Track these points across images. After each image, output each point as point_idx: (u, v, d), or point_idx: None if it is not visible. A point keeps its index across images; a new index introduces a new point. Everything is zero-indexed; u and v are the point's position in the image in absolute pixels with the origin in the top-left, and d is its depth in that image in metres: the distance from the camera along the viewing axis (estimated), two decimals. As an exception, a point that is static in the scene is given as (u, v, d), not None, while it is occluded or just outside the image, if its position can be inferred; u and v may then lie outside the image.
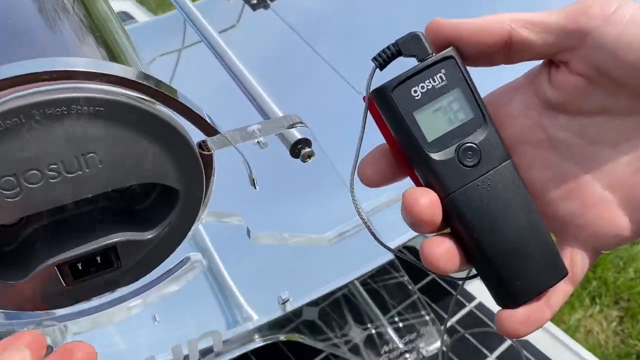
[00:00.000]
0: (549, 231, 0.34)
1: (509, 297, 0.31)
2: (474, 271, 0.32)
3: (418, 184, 0.33)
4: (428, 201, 0.31)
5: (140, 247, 0.36)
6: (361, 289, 0.78)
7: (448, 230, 0.33)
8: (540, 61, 0.33)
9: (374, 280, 0.80)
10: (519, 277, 0.31)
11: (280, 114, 0.41)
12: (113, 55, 0.35)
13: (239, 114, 0.50)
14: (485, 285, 0.32)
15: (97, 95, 0.30)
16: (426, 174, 0.32)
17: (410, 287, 0.79)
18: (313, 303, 0.70)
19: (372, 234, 0.34)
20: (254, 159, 0.40)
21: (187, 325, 0.49)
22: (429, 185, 0.32)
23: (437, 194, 0.31)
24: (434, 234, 0.32)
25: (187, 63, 0.99)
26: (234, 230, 0.47)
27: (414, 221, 0.31)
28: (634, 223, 0.31)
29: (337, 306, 0.77)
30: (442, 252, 0.31)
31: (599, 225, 0.32)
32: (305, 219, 0.54)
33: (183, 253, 0.60)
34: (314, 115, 0.71)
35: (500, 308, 0.32)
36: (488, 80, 0.36)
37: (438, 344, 0.75)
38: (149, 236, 0.36)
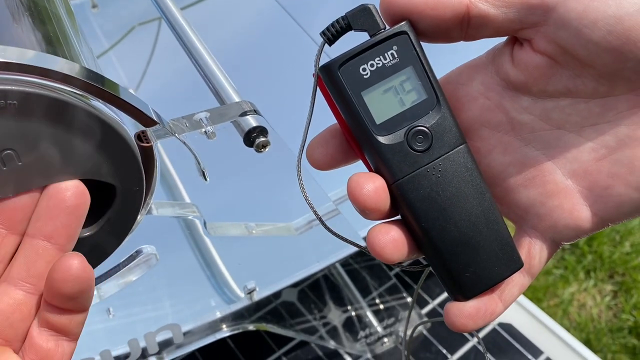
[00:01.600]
0: (509, 219, 0.32)
1: (458, 289, 0.30)
2: None
3: (369, 168, 0.31)
4: (373, 188, 0.29)
5: (79, 245, 0.34)
6: (341, 270, 0.77)
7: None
8: (504, 39, 0.31)
9: (355, 261, 0.79)
10: (470, 269, 0.30)
11: (237, 99, 0.39)
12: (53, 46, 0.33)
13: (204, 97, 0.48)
14: (436, 275, 0.31)
15: (8, 87, 0.28)
16: (374, 158, 0.30)
17: (389, 271, 0.77)
18: (293, 285, 0.69)
19: (317, 216, 0.32)
20: (215, 145, 0.38)
21: (147, 318, 0.48)
22: (377, 170, 0.30)
23: (385, 180, 0.30)
24: (383, 220, 0.31)
25: (166, 34, 0.96)
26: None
27: (360, 208, 0.30)
28: (594, 214, 0.30)
29: (317, 288, 0.76)
30: (388, 240, 0.30)
31: (559, 216, 0.31)
32: (271, 208, 0.53)
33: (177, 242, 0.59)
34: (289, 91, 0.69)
35: (451, 299, 0.30)
36: (450, 57, 0.34)
37: (418, 328, 0.74)
38: (87, 234, 0.34)
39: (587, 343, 1.39)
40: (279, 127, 0.40)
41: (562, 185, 0.31)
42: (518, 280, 0.31)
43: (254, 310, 0.61)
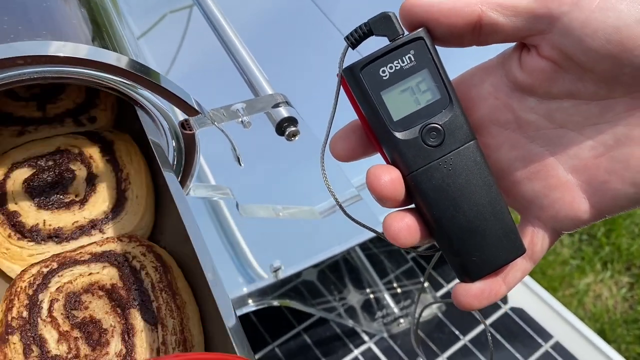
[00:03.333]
0: (514, 209, 0.35)
1: (466, 271, 0.32)
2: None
3: (386, 161, 0.33)
4: (389, 179, 0.32)
5: None
6: (361, 253, 0.80)
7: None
8: (512, 44, 0.33)
9: (375, 246, 0.82)
10: (476, 253, 0.32)
11: (270, 91, 0.42)
12: (105, 40, 0.37)
13: (237, 80, 0.51)
14: (446, 259, 0.33)
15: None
16: (391, 152, 0.33)
17: (406, 254, 0.80)
18: (313, 265, 0.72)
19: (337, 202, 0.35)
20: (248, 134, 0.41)
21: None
22: (394, 162, 0.33)
23: (401, 172, 0.32)
24: (398, 209, 0.33)
25: (196, 21, 0.98)
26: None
27: (377, 197, 0.32)
28: (592, 207, 0.32)
29: (337, 269, 0.79)
30: (402, 226, 0.32)
31: (560, 207, 0.33)
32: (297, 193, 0.55)
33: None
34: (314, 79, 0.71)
35: (459, 281, 0.33)
36: (463, 60, 0.36)
37: (432, 309, 0.76)
38: None
39: (602, 333, 1.39)
40: (303, 114, 0.42)
41: (563, 180, 0.33)
42: (521, 265, 0.34)
43: (277, 287, 0.64)
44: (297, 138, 0.41)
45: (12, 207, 0.38)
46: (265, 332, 0.76)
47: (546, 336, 0.78)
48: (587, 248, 1.55)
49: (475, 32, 0.32)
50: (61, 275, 0.35)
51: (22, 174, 0.39)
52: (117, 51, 0.36)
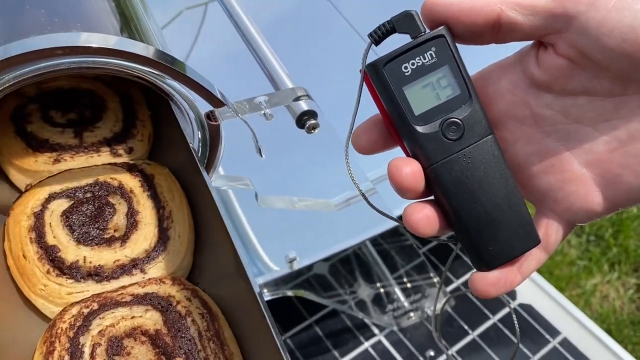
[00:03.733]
0: (530, 202, 0.35)
1: (482, 260, 0.33)
2: None
3: (407, 154, 0.35)
4: (410, 171, 0.33)
5: None
6: (372, 248, 0.81)
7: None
8: (530, 42, 0.34)
9: (385, 242, 0.83)
10: (493, 243, 0.33)
11: (290, 85, 0.43)
12: (132, 31, 0.38)
13: (253, 74, 0.52)
14: (464, 248, 0.34)
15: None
16: (412, 145, 0.34)
17: (418, 249, 0.81)
18: (324, 259, 0.73)
19: (363, 196, 0.36)
20: (268, 126, 0.42)
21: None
22: (414, 155, 0.34)
23: (421, 164, 0.33)
24: (418, 200, 0.34)
25: (212, 17, 1.00)
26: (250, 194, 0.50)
27: (398, 188, 0.33)
28: (606, 199, 0.33)
29: (348, 263, 0.81)
30: (422, 217, 0.33)
31: (574, 200, 0.34)
32: (314, 186, 0.57)
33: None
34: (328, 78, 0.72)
35: (476, 270, 0.34)
36: (483, 56, 0.37)
37: (442, 305, 0.78)
38: None
39: (608, 334, 1.40)
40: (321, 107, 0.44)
41: (578, 173, 0.34)
42: (535, 255, 0.34)
43: (291, 279, 0.65)
44: (316, 131, 0.42)
45: (50, 240, 0.36)
46: (277, 323, 0.78)
47: (554, 332, 0.79)
48: (594, 249, 1.55)
49: (495, 31, 0.32)
50: (102, 318, 0.34)
51: (60, 205, 0.38)
52: (144, 42, 0.37)
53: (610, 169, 0.33)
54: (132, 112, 0.44)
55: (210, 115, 0.38)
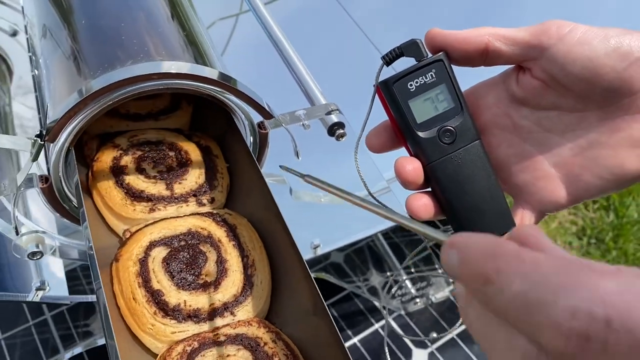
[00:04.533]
0: (509, 194, 0.42)
1: None
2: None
3: (410, 154, 0.41)
4: (412, 168, 0.40)
5: None
6: (384, 241, 0.89)
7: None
8: (511, 66, 0.41)
9: (396, 235, 0.91)
10: (477, 227, 0.39)
11: (323, 101, 0.52)
12: (202, 58, 0.46)
13: (284, 86, 0.59)
14: (454, 230, 0.40)
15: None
16: (414, 147, 0.40)
17: (426, 243, 0.90)
18: (340, 249, 0.82)
19: (369, 191, 0.43)
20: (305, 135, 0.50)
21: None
22: (416, 155, 0.41)
23: (421, 162, 0.40)
24: (418, 191, 0.41)
25: (243, 28, 1.08)
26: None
27: (402, 181, 0.40)
28: (569, 194, 0.40)
29: (361, 253, 0.89)
30: (421, 204, 0.40)
31: (544, 194, 0.40)
32: (337, 184, 0.65)
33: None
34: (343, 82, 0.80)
35: None
36: (474, 76, 0.43)
37: (446, 292, 0.86)
38: None
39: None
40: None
41: (547, 172, 0.40)
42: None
43: (311, 265, 0.74)
44: (344, 139, 0.51)
45: (155, 285, 0.40)
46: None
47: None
48: (594, 252, 1.59)
49: (483, 56, 0.39)
50: (203, 355, 0.37)
51: (160, 252, 0.42)
52: (208, 65, 0.46)
53: (573, 169, 0.39)
54: (212, 164, 0.48)
55: (260, 125, 0.48)
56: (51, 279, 0.57)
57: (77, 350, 0.73)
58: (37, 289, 0.53)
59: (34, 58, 0.53)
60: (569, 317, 0.20)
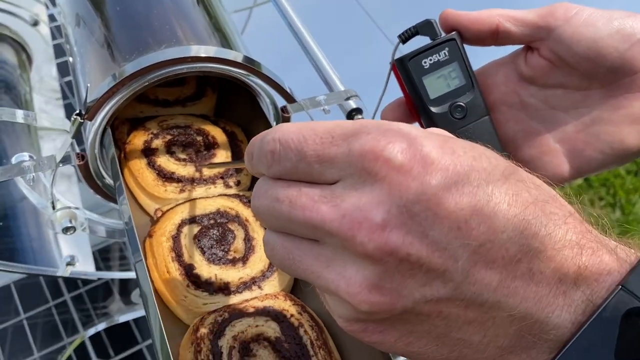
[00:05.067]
0: None
1: None
2: None
3: (423, 128, 0.44)
4: None
5: None
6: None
7: None
8: (520, 46, 0.43)
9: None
10: None
11: (341, 87, 0.55)
12: (227, 43, 0.49)
13: (302, 71, 0.62)
14: None
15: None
16: (427, 121, 0.43)
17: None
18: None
19: None
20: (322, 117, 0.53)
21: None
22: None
23: None
24: None
25: (258, 20, 1.10)
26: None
27: None
28: (572, 168, 0.42)
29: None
30: None
31: (549, 167, 0.43)
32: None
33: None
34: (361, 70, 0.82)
35: None
36: (486, 55, 0.46)
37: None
38: None
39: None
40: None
41: (552, 147, 0.43)
42: None
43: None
44: (361, 124, 0.54)
45: (187, 259, 0.41)
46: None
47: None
48: None
49: (494, 36, 0.42)
50: (233, 325, 0.39)
51: (191, 229, 0.43)
52: (234, 49, 0.48)
53: (576, 145, 0.42)
54: (237, 149, 0.51)
55: (284, 109, 0.50)
56: (77, 255, 0.59)
57: (101, 326, 0.76)
58: (68, 264, 0.56)
59: (67, 46, 0.56)
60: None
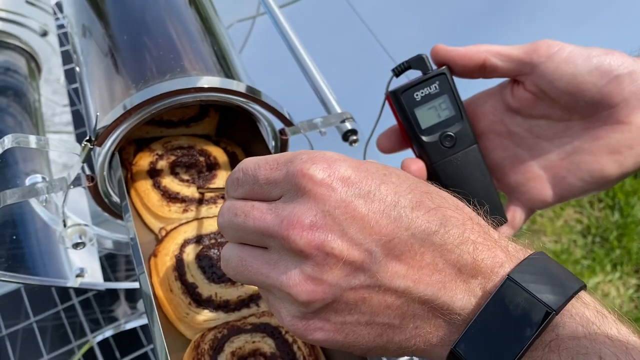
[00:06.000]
0: (504, 193, 0.46)
1: None
2: None
3: (415, 155, 0.46)
4: (416, 168, 0.45)
5: None
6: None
7: None
8: (507, 79, 0.45)
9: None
10: None
11: (338, 109, 0.57)
12: (231, 72, 0.51)
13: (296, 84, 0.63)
14: None
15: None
16: (419, 149, 0.45)
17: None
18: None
19: None
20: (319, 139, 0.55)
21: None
22: (420, 157, 0.45)
23: (425, 163, 0.45)
24: None
25: (260, 29, 1.12)
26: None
27: None
28: (555, 193, 0.44)
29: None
30: None
31: (533, 193, 0.45)
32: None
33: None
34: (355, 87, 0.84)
35: None
36: (474, 86, 0.48)
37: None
38: None
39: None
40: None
41: (537, 174, 0.45)
42: (504, 231, 0.46)
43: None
44: (356, 144, 0.56)
45: (189, 278, 0.43)
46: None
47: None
48: (599, 250, 1.59)
49: (481, 70, 0.44)
50: (232, 342, 0.40)
51: (193, 249, 0.45)
52: (236, 78, 0.50)
53: (559, 172, 0.44)
54: None
55: (282, 131, 0.53)
56: (86, 267, 0.62)
57: (108, 333, 0.79)
58: (77, 276, 0.59)
59: (74, 56, 0.58)
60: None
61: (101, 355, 0.82)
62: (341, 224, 0.28)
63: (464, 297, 0.29)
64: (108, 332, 0.77)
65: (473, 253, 0.29)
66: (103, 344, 0.83)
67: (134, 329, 0.81)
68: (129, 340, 0.83)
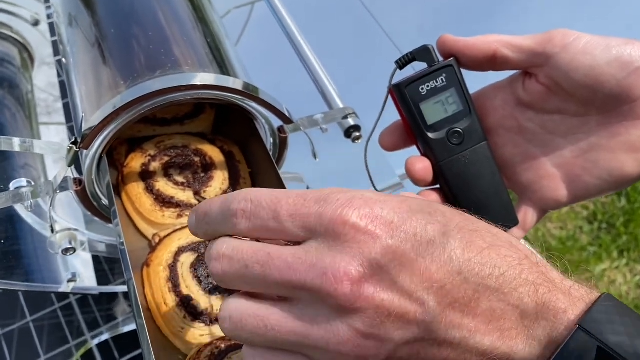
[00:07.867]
0: (514, 192, 0.44)
1: None
2: None
3: (420, 153, 0.44)
4: (422, 167, 0.42)
5: None
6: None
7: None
8: (518, 71, 0.43)
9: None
10: None
11: (340, 104, 0.54)
12: (226, 67, 0.48)
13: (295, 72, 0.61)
14: None
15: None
16: (424, 147, 0.43)
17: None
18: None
19: (370, 179, 0.45)
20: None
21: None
22: (426, 154, 0.43)
23: (431, 162, 0.42)
24: (427, 188, 0.44)
25: (259, 15, 1.09)
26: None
27: (412, 179, 0.43)
28: (569, 193, 0.42)
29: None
30: (433, 200, 0.42)
31: (546, 192, 0.43)
32: (351, 180, 0.67)
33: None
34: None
35: None
36: (483, 79, 0.45)
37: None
38: None
39: (612, 316, 1.46)
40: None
41: (550, 172, 0.42)
42: (515, 233, 0.43)
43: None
44: (359, 141, 0.54)
45: (184, 290, 0.41)
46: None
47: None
48: (605, 236, 1.59)
49: (491, 62, 0.41)
50: (230, 357, 0.39)
51: (188, 258, 0.43)
52: (232, 74, 0.47)
53: (573, 170, 0.41)
54: (235, 170, 0.50)
55: (280, 129, 0.50)
56: (80, 270, 0.60)
57: (104, 337, 0.77)
58: (69, 281, 0.56)
59: (61, 47, 0.55)
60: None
61: (100, 356, 0.80)
62: (390, 273, 0.26)
63: (525, 347, 0.27)
64: (104, 336, 0.75)
65: (534, 296, 0.27)
66: (102, 344, 0.81)
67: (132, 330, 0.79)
68: (129, 340, 0.81)
